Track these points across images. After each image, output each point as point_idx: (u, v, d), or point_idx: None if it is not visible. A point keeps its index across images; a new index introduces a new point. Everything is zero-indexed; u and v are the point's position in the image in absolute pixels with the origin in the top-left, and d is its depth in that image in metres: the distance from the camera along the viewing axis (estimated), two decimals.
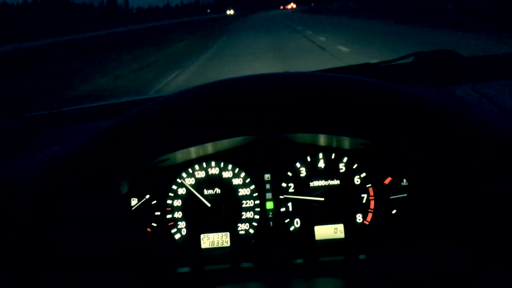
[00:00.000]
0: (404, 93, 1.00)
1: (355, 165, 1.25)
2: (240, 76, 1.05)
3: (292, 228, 1.26)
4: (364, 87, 1.01)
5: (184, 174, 1.27)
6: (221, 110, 1.03)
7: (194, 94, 1.04)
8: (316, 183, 1.26)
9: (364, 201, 1.25)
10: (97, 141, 1.03)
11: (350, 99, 1.01)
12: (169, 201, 1.26)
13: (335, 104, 1.01)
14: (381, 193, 1.25)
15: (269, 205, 1.26)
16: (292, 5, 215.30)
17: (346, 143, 1.21)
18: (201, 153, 1.24)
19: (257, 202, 1.26)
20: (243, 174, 1.27)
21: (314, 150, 1.26)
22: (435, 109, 0.99)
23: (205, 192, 1.27)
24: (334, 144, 1.23)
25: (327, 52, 13.49)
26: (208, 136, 1.05)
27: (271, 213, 1.26)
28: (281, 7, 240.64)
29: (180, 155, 1.19)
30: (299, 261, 1.15)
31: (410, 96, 1.00)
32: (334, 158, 1.26)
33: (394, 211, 1.24)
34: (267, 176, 1.27)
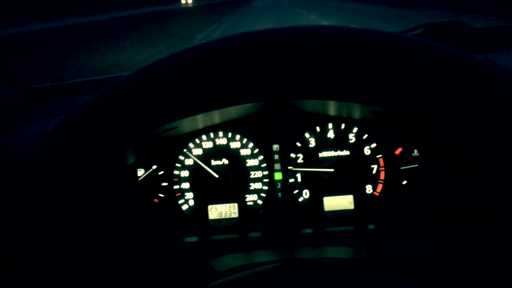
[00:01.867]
0: (434, 51, 0.83)
1: (365, 136, 1.23)
2: (246, 32, 0.92)
3: (301, 199, 1.24)
4: (382, 45, 0.88)
5: (191, 145, 1.25)
6: (227, 74, 0.93)
7: (196, 54, 0.92)
8: (325, 154, 1.25)
9: (374, 172, 1.23)
10: (99, 106, 0.95)
11: (364, 60, 0.89)
12: (176, 172, 1.25)
13: (349, 66, 0.90)
14: (391, 164, 1.23)
15: (278, 176, 1.25)
16: None
17: (356, 112, 1.18)
18: (208, 123, 1.22)
19: (266, 172, 1.25)
20: (251, 145, 1.25)
21: (323, 120, 1.24)
22: (466, 70, 0.81)
23: (213, 162, 1.25)
24: (344, 114, 1.21)
25: None
26: (215, 103, 1.00)
27: (279, 184, 1.25)
28: None
29: (187, 124, 1.16)
30: (308, 231, 1.14)
31: (438, 55, 0.83)
32: (344, 128, 1.24)
33: (404, 182, 1.23)
34: (275, 147, 1.25)
